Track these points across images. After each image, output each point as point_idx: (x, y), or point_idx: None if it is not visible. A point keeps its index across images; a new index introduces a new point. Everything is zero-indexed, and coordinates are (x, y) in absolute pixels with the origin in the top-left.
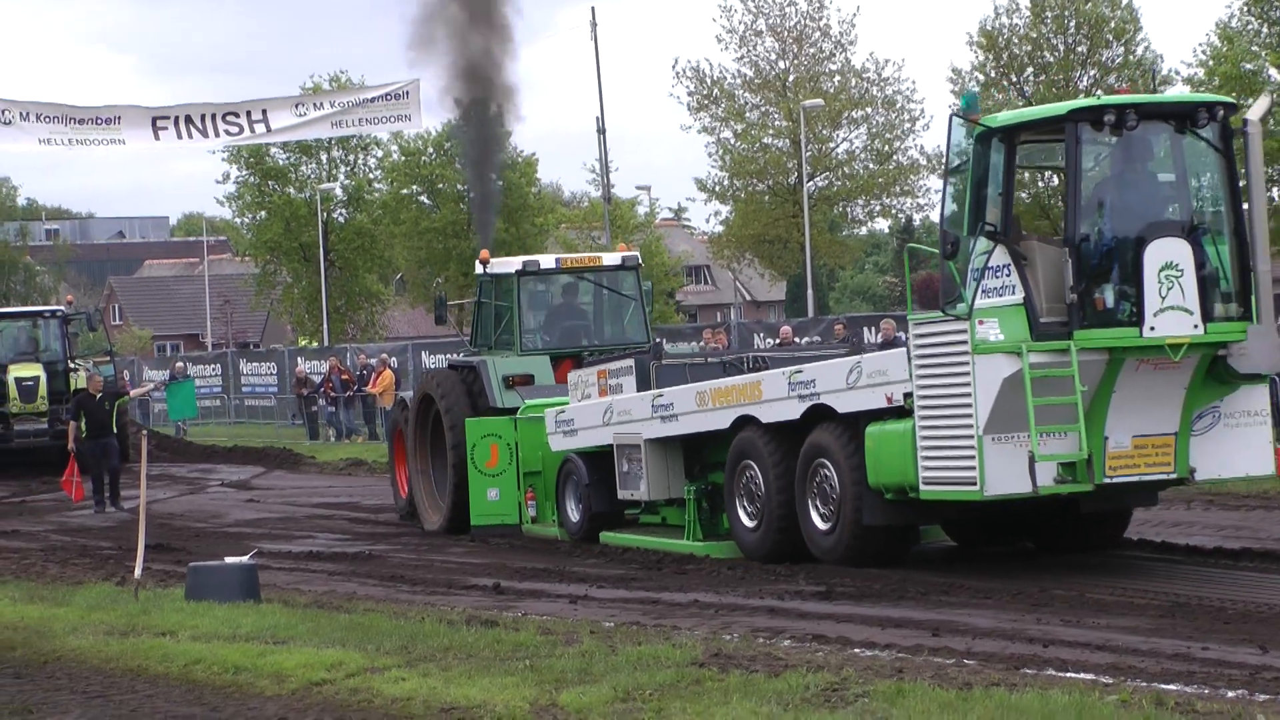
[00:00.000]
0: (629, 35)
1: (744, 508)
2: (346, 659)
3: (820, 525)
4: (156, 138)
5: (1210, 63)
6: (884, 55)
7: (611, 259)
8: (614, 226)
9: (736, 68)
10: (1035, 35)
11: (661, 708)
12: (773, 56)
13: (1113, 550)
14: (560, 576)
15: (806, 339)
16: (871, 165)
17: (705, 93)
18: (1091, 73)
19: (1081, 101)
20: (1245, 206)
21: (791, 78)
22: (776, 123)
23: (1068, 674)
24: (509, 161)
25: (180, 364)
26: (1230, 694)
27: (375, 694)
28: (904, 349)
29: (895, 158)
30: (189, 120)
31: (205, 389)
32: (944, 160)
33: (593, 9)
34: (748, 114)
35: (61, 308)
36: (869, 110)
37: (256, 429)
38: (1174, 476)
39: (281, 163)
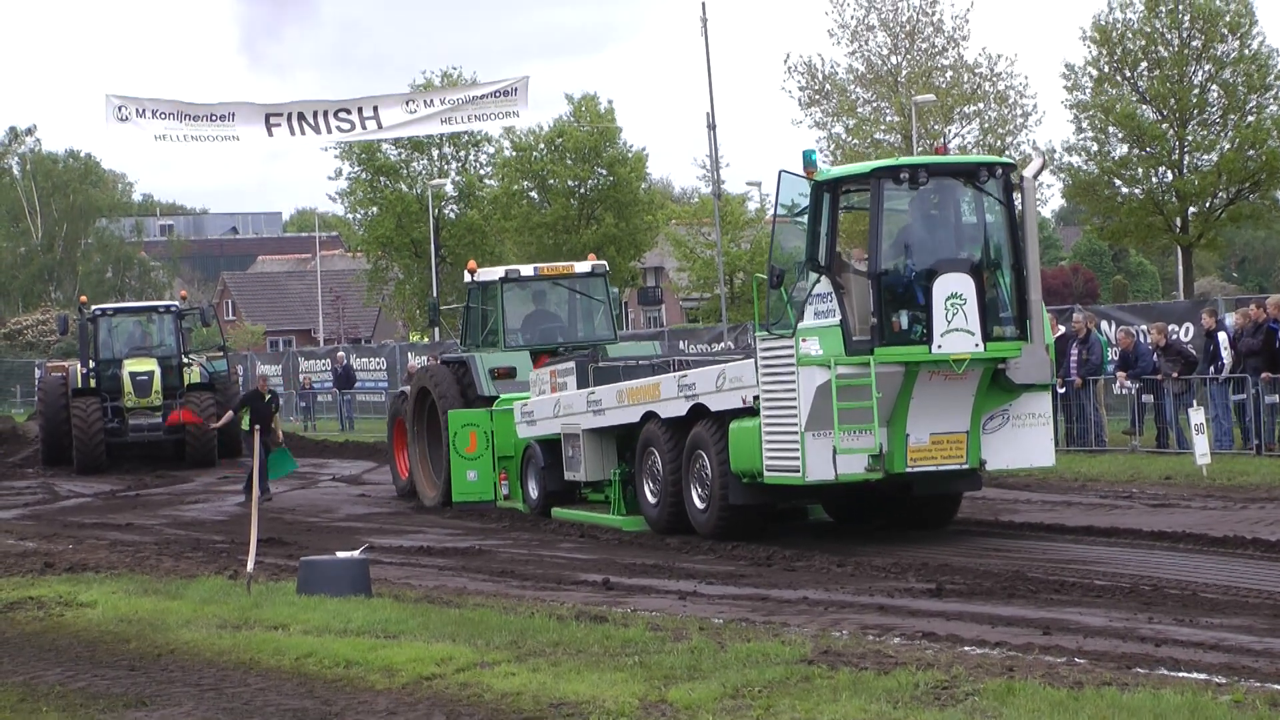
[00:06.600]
0: (740, 29)
1: (649, 487)
2: (456, 654)
3: (699, 505)
4: (270, 134)
5: None
6: (997, 50)
7: (583, 267)
8: (724, 222)
9: (848, 62)
10: (1149, 30)
11: (770, 705)
12: (884, 51)
13: (1222, 548)
14: (669, 573)
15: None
16: None
17: (817, 87)
18: (1206, 67)
19: (883, 162)
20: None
21: (904, 73)
22: (888, 118)
23: (1180, 674)
24: (619, 157)
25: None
26: None
27: (485, 689)
28: (753, 360)
29: (1007, 153)
30: (301, 117)
31: (318, 384)
32: (774, 207)
33: (703, 4)
34: (859, 109)
35: (175, 303)
36: (981, 105)
37: (368, 424)
38: (966, 467)
39: (393, 159)
